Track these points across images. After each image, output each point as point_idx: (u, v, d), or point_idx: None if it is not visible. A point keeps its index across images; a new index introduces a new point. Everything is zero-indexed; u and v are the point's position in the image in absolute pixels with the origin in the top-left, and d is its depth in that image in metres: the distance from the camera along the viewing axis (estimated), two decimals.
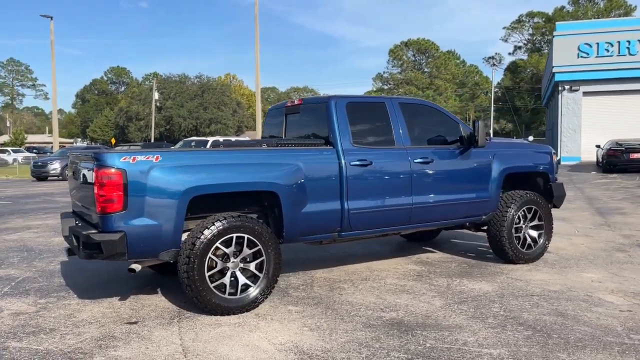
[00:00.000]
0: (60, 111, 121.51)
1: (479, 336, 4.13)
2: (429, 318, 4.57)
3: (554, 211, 9.34)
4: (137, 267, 4.64)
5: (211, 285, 4.61)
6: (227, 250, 4.69)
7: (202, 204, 4.83)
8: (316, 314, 4.71)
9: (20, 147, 60.73)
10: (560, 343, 3.97)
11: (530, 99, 70.60)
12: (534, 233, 6.57)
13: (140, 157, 4.42)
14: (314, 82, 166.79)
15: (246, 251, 4.78)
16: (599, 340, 4.01)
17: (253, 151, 5.14)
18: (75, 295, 5.37)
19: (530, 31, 75.44)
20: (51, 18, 29.81)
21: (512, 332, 4.20)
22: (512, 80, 74.78)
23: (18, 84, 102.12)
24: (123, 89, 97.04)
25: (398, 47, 70.64)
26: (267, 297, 4.94)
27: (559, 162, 27.95)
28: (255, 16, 25.29)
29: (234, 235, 4.69)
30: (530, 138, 51.46)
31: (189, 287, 4.55)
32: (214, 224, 4.61)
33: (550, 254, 6.99)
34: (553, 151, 6.99)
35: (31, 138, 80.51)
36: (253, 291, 4.81)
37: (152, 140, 58.49)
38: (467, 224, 6.60)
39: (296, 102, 6.13)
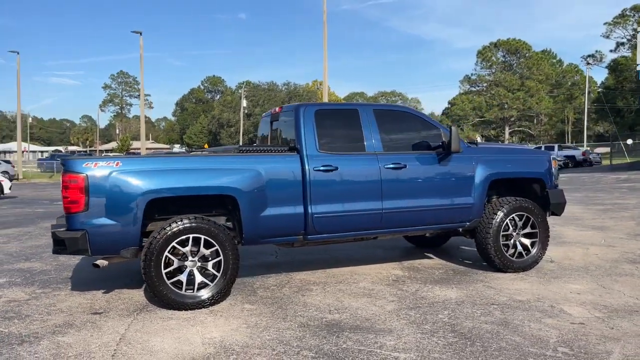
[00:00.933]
0: (164, 119, 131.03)
1: (401, 341, 4.15)
2: (368, 321, 4.63)
3: (591, 219, 8.83)
4: (102, 263, 5.10)
5: (168, 282, 4.98)
6: (184, 250, 5.05)
7: (168, 206, 5.23)
8: (263, 313, 4.92)
9: (125, 152, 65.95)
10: (476, 352, 3.91)
11: (634, 100, 65.40)
12: (527, 241, 6.33)
13: (101, 163, 4.88)
14: (404, 86, 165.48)
15: (203, 251, 5.11)
16: (519, 350, 3.90)
17: (212, 157, 5.47)
18: (69, 287, 5.96)
19: (635, 26, 69.90)
20: (140, 33, 32.17)
21: (438, 339, 4.18)
22: (615, 79, 69.66)
23: (127, 94, 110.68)
24: (218, 97, 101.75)
25: (487, 48, 68.21)
26: (225, 295, 5.23)
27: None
28: (323, 23, 25.74)
29: (190, 235, 5.03)
30: (629, 141, 47.91)
31: (147, 283, 4.95)
32: (170, 225, 4.98)
33: (552, 262, 6.70)
34: (553, 157, 6.68)
35: (136, 144, 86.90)
36: (209, 289, 5.11)
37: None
38: (461, 230, 6.50)
39: (277, 110, 6.38)
